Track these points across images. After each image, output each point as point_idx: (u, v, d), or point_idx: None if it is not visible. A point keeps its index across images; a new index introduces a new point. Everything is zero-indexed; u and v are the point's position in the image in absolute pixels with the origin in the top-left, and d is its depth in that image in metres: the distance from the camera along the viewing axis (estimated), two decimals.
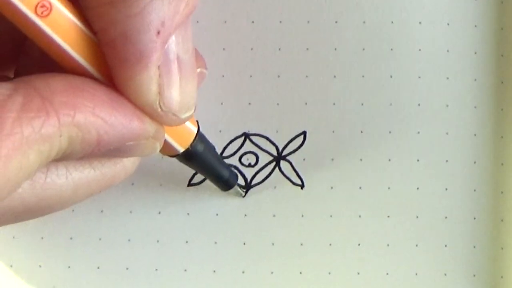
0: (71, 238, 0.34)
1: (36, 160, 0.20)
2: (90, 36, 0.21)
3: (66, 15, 0.21)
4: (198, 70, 0.26)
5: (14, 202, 0.22)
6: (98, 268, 0.34)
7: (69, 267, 0.34)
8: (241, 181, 0.34)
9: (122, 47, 0.21)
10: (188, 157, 0.28)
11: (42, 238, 0.34)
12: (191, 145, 0.27)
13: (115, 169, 0.25)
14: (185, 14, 0.22)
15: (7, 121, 0.19)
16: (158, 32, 0.21)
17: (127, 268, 0.34)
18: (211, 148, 0.30)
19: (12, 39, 0.25)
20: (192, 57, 0.23)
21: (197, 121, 0.28)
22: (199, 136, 0.28)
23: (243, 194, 0.33)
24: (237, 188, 0.33)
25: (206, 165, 0.30)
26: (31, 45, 0.24)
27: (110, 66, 0.21)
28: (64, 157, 0.21)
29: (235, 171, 0.33)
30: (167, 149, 0.26)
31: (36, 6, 0.20)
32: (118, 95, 0.22)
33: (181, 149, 0.27)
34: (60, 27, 0.21)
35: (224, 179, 0.32)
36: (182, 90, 0.23)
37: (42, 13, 0.20)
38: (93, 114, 0.21)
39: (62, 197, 0.23)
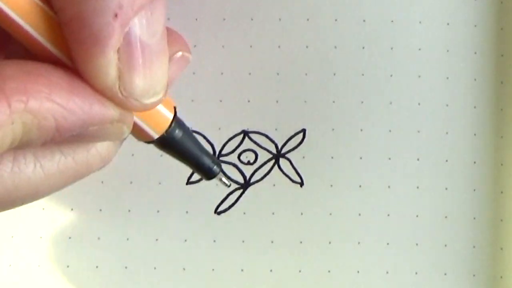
0: (69, 238, 0.34)
1: None
2: (53, 16, 0.21)
3: None
4: (179, 53, 0.26)
5: None
6: (97, 267, 0.34)
7: (68, 266, 0.34)
8: (238, 176, 0.34)
9: (78, 28, 0.20)
10: (165, 143, 0.27)
11: (40, 237, 0.34)
12: (166, 131, 0.26)
13: (88, 156, 0.24)
14: None
15: None
16: (116, 15, 0.20)
17: (126, 267, 0.34)
18: (191, 135, 0.29)
19: None
20: (161, 40, 0.22)
21: (174, 107, 0.27)
22: (176, 121, 0.27)
23: (228, 183, 0.33)
24: (221, 176, 0.32)
25: (185, 152, 0.29)
26: (16, 43, 0.24)
27: (69, 48, 0.21)
28: (22, 145, 0.20)
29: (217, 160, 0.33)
30: (142, 135, 0.26)
31: None
32: (79, 79, 0.21)
33: (155, 135, 0.26)
34: (19, 4, 0.20)
35: (206, 167, 0.31)
36: (146, 75, 0.22)
37: None
38: (48, 99, 0.20)
39: (33, 187, 0.22)
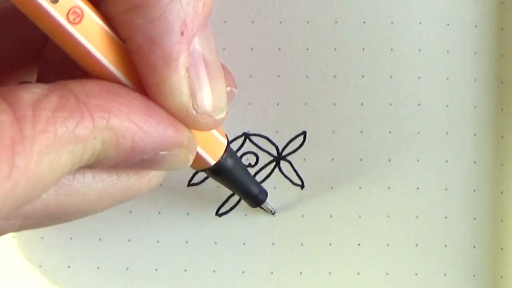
0: (71, 238, 0.34)
1: (68, 161, 0.20)
2: (120, 43, 0.21)
3: (97, 22, 0.21)
4: (228, 88, 0.26)
5: (37, 207, 0.21)
6: (98, 268, 0.34)
7: (69, 267, 0.34)
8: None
9: (149, 52, 0.21)
10: (219, 171, 0.28)
11: (42, 238, 0.34)
12: (221, 157, 0.27)
13: (140, 182, 0.24)
14: (204, 14, 0.22)
15: (42, 119, 0.19)
16: (182, 33, 0.21)
17: (127, 268, 0.34)
18: (241, 163, 0.29)
19: (32, 45, 0.25)
20: (217, 58, 0.23)
21: (226, 134, 0.27)
22: (229, 149, 0.27)
23: (273, 211, 0.33)
24: (266, 204, 0.33)
25: (236, 180, 0.29)
26: (52, 51, 0.24)
27: (140, 73, 0.21)
28: (97, 162, 0.21)
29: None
30: (197, 163, 0.26)
31: (68, 13, 0.20)
32: (152, 102, 0.21)
33: (212, 162, 0.27)
34: (91, 34, 0.21)
35: (254, 195, 0.31)
36: (213, 90, 0.22)
37: (74, 20, 0.20)
38: (128, 119, 0.20)
39: (85, 206, 0.23)
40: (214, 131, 0.26)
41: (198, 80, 0.22)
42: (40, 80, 0.25)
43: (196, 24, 0.21)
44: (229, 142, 0.27)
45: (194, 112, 0.22)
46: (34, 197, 0.20)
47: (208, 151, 0.26)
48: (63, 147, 0.19)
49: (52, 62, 0.24)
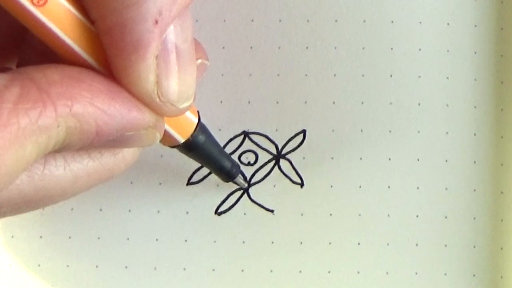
0: (69, 237, 0.34)
1: (33, 151, 0.20)
2: (88, 26, 0.21)
3: (63, 4, 0.21)
4: (199, 61, 0.26)
5: (13, 193, 0.22)
6: (97, 267, 0.34)
7: (68, 266, 0.34)
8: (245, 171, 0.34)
9: (119, 36, 0.21)
10: (189, 147, 0.28)
11: (40, 237, 0.34)
12: (191, 135, 0.27)
13: (115, 160, 0.24)
14: (183, 3, 0.22)
15: (4, 112, 0.19)
16: (156, 22, 0.21)
17: (126, 267, 0.34)
18: (213, 139, 0.29)
19: (13, 30, 0.25)
20: (191, 47, 0.23)
21: (198, 111, 0.28)
22: (200, 126, 0.28)
23: (245, 184, 0.33)
24: (239, 179, 0.33)
25: (208, 156, 0.30)
26: (32, 36, 0.24)
27: (108, 55, 0.21)
28: (62, 148, 0.21)
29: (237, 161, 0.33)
30: (167, 140, 0.26)
31: None
32: (117, 85, 0.21)
33: (181, 140, 0.27)
34: (57, 16, 0.21)
35: (226, 170, 0.32)
36: (181, 80, 0.22)
37: (38, 2, 0.20)
38: (91, 104, 0.20)
39: (61, 188, 0.23)
40: None
41: (166, 69, 0.22)
42: (21, 64, 0.25)
43: (172, 13, 0.21)
44: (199, 120, 0.27)
45: (158, 100, 0.22)
46: (0, 189, 0.20)
47: (177, 129, 0.26)
48: (27, 138, 0.19)
49: (33, 48, 0.24)
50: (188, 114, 0.26)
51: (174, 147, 0.28)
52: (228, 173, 0.32)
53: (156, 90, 0.22)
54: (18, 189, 0.22)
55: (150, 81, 0.22)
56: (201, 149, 0.28)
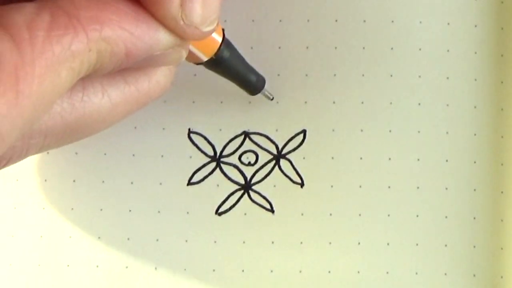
0: (70, 237, 0.34)
1: (68, 77, 0.20)
2: None
3: None
4: None
5: (56, 122, 0.22)
6: (97, 266, 0.34)
7: (68, 265, 0.34)
8: (239, 177, 0.34)
9: None
10: (214, 63, 0.28)
11: (40, 237, 0.34)
12: (215, 54, 0.28)
13: (150, 84, 0.25)
14: None
15: (39, 40, 0.19)
16: None
17: (126, 267, 0.34)
18: (238, 54, 0.30)
19: None
20: None
21: (223, 29, 0.28)
22: (225, 42, 0.28)
23: (271, 97, 0.33)
24: (265, 91, 0.33)
25: (233, 71, 0.30)
26: None
27: None
28: (94, 72, 0.21)
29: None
30: (192, 57, 0.27)
31: None
32: (141, 7, 0.22)
33: (205, 58, 0.28)
34: None
35: (252, 84, 0.32)
36: (205, 3, 0.23)
37: None
38: (119, 27, 0.21)
39: (100, 115, 0.24)
40: None
41: None
42: None
43: None
44: (224, 37, 0.28)
45: (182, 23, 0.22)
46: (39, 117, 0.20)
47: (202, 47, 0.27)
48: (62, 65, 0.20)
49: None
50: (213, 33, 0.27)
51: (199, 63, 0.28)
52: (254, 86, 0.32)
53: (180, 12, 0.22)
54: (60, 117, 0.22)
55: (174, 4, 0.22)
56: (226, 64, 0.29)
